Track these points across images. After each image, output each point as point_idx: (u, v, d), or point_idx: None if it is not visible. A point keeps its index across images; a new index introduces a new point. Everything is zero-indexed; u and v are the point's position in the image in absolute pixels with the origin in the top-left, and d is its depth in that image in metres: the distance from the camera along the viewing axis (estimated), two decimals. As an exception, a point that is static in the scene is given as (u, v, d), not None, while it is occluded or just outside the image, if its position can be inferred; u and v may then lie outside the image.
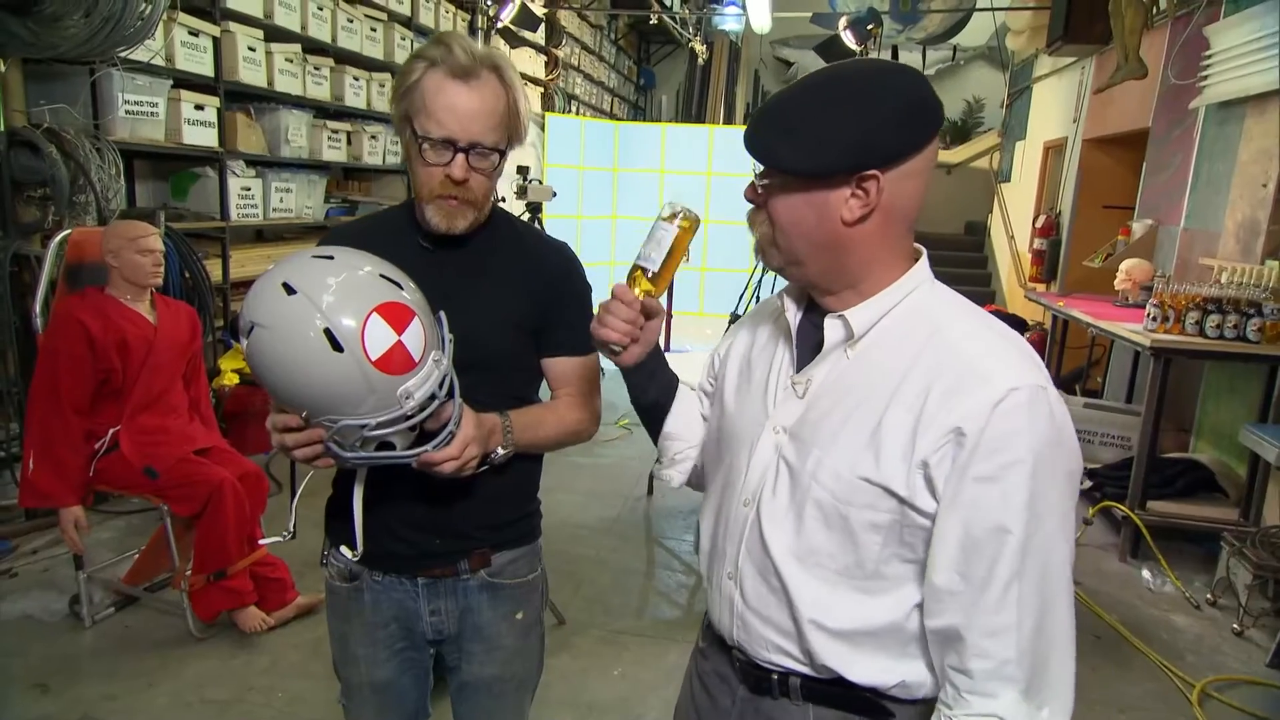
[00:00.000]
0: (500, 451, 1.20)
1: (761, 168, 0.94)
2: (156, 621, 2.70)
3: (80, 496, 2.47)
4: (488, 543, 1.31)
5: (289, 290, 0.99)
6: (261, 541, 2.38)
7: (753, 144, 0.92)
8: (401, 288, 1.05)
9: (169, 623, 2.67)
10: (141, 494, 2.56)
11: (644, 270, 1.04)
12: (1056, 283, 6.64)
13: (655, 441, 1.18)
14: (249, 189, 4.09)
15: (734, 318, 6.00)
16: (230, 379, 3.34)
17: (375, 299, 1.01)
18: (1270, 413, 3.50)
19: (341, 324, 0.98)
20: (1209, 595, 3.21)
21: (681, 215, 1.03)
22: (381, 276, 1.04)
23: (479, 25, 4.52)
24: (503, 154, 1.21)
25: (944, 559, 0.86)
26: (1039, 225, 6.90)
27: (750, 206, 0.98)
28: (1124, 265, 4.47)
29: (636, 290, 1.03)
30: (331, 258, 1.04)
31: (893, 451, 0.87)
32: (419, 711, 1.43)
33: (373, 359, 0.99)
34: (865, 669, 0.93)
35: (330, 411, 1.01)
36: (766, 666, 1.00)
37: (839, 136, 0.87)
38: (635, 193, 8.55)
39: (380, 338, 1.00)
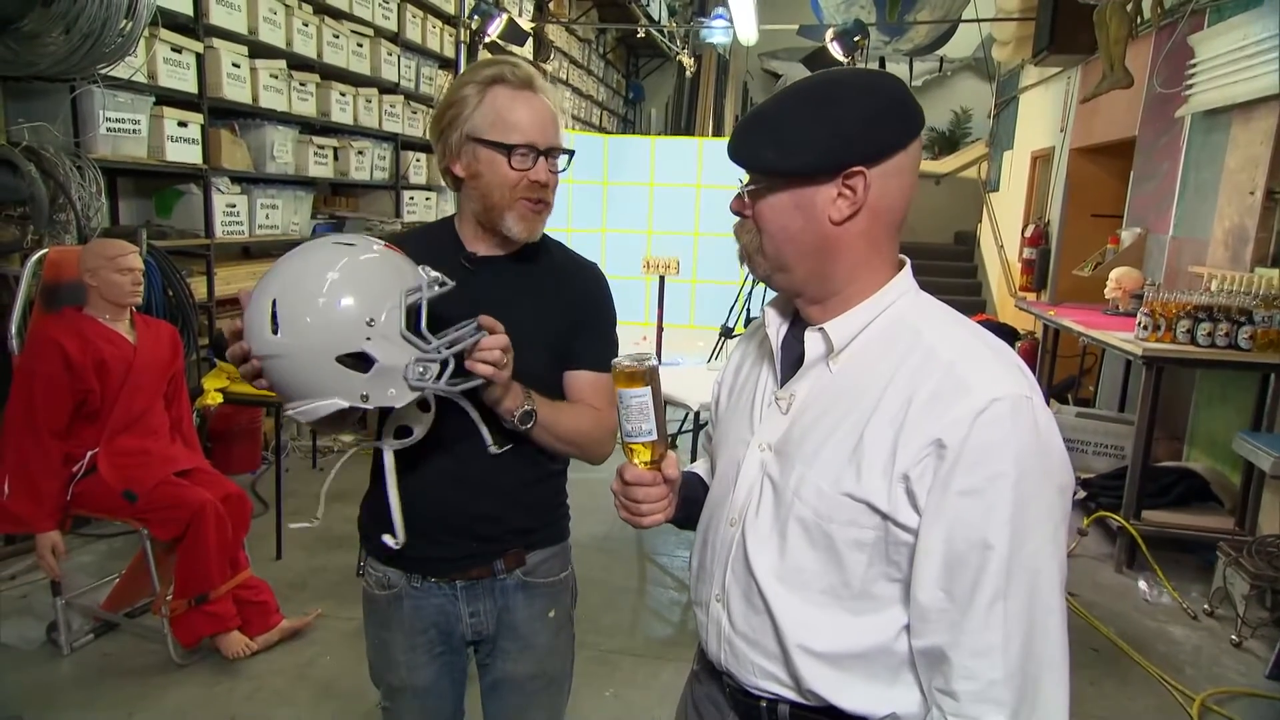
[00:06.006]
0: (524, 409, 1.22)
1: (748, 180, 0.93)
2: (136, 648, 2.64)
3: (57, 521, 2.42)
4: (521, 543, 1.36)
5: (278, 265, 1.13)
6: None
7: (737, 151, 0.92)
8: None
9: (149, 649, 2.61)
10: (121, 518, 2.51)
11: (642, 444, 0.99)
12: (1047, 292, 6.64)
13: None
14: (234, 206, 4.05)
15: (724, 331, 5.98)
16: (214, 398, 3.29)
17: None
18: (1264, 420, 3.48)
19: (341, 238, 1.13)
20: (1206, 606, 3.18)
21: (643, 374, 0.96)
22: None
23: (462, 39, 4.49)
24: (569, 156, 1.29)
25: (928, 575, 0.83)
26: (1028, 234, 6.91)
27: (738, 220, 0.96)
28: (1114, 274, 4.47)
29: (639, 464, 1.00)
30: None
31: (874, 465, 0.85)
32: (456, 713, 1.48)
33: (380, 246, 1.14)
34: (854, 696, 0.90)
35: (389, 291, 1.08)
36: (755, 694, 0.97)
37: (822, 134, 0.87)
38: (625, 206, 8.55)
39: (373, 240, 1.15)
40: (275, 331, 1.05)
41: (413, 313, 1.10)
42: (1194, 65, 4.29)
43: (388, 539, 1.26)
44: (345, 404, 1.09)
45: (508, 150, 1.23)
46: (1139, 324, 3.46)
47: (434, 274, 1.13)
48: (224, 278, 4.07)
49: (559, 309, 1.31)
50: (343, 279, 1.07)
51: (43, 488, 2.37)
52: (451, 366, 1.11)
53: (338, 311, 1.06)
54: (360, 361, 1.07)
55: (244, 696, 2.44)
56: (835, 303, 0.93)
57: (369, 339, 1.06)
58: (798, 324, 0.98)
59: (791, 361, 0.98)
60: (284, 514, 3.35)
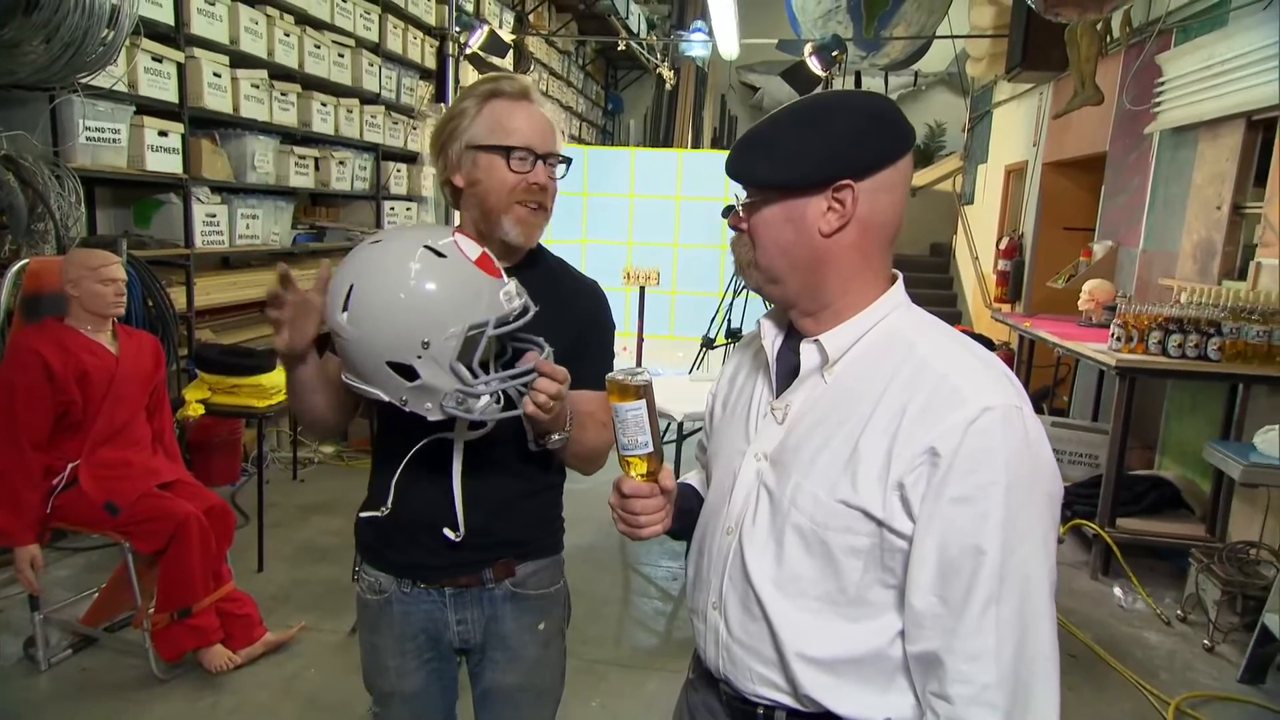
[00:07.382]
0: (558, 436, 1.24)
1: (745, 196, 0.96)
2: (116, 663, 2.61)
3: (37, 534, 2.39)
4: (512, 553, 1.36)
5: (376, 242, 1.14)
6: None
7: (733, 167, 0.96)
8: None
9: (130, 664, 2.58)
10: (102, 531, 2.48)
11: (639, 456, 1.00)
12: (1021, 303, 6.75)
13: None
14: (214, 216, 4.02)
15: (706, 341, 6.02)
16: (195, 409, 3.26)
17: (449, 231, 1.17)
18: (1233, 429, 3.57)
19: (437, 240, 1.13)
20: (1179, 611, 3.25)
21: (638, 388, 0.98)
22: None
23: (450, 52, 4.49)
24: (567, 165, 1.32)
25: (921, 581, 0.86)
26: (1002, 247, 7.03)
27: (734, 234, 0.99)
28: (1087, 286, 4.56)
29: (635, 476, 1.01)
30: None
31: (869, 473, 0.87)
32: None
33: (472, 259, 1.13)
34: (850, 702, 0.92)
35: (452, 320, 1.10)
36: (753, 700, 0.99)
37: (813, 149, 0.91)
38: (604, 217, 8.58)
39: (469, 248, 1.14)
40: (344, 312, 1.11)
41: (472, 342, 1.12)
42: (1162, 83, 4.40)
43: (449, 533, 1.28)
44: (386, 398, 1.14)
45: (506, 152, 1.25)
46: (1112, 335, 3.54)
47: (517, 304, 1.15)
48: (204, 288, 4.04)
49: (561, 324, 1.31)
50: (413, 294, 1.09)
51: (23, 500, 2.34)
52: (489, 400, 1.14)
53: (397, 324, 1.09)
54: (408, 370, 1.11)
55: (228, 711, 2.42)
56: (827, 315, 0.95)
57: (419, 357, 1.10)
58: (792, 336, 1.01)
59: (786, 373, 1.00)
60: (265, 525, 3.33)
